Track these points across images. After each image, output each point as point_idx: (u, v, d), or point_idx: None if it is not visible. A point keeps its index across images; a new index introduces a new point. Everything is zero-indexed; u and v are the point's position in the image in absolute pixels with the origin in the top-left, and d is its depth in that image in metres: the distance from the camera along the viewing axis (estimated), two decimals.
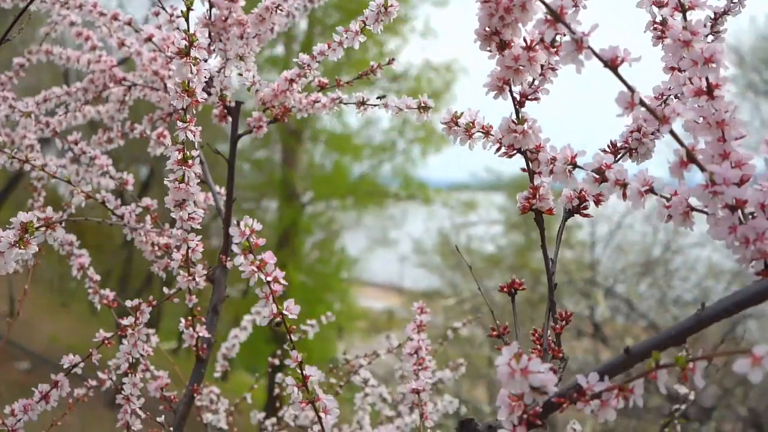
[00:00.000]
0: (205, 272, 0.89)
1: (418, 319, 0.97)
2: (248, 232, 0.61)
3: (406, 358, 0.96)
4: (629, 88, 0.50)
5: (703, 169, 0.51)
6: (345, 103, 0.96)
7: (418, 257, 11.24)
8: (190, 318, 0.95)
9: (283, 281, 0.62)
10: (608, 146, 0.68)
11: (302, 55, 0.92)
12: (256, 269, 0.61)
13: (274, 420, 1.43)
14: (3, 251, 0.67)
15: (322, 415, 0.63)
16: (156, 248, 1.00)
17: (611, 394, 0.50)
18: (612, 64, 0.50)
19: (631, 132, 0.68)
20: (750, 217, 0.51)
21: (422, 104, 0.82)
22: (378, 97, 0.94)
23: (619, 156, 0.68)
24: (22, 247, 0.66)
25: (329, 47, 0.90)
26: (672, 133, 0.51)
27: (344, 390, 1.40)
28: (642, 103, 0.50)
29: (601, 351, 6.68)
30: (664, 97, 0.68)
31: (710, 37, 0.71)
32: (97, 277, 1.09)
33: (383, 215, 12.44)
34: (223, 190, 1.09)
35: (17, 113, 1.10)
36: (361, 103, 0.94)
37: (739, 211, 0.51)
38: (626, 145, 0.68)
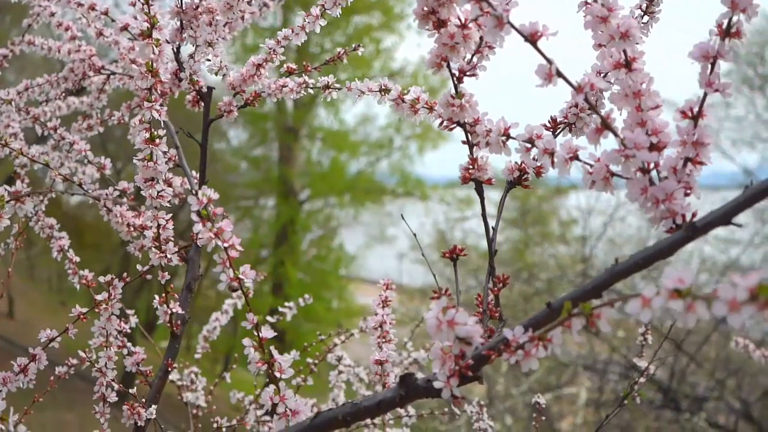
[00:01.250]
0: (176, 249, 0.93)
1: (383, 294, 1.01)
2: (206, 201, 0.65)
3: (371, 331, 1.01)
4: (548, 60, 0.54)
5: (616, 135, 0.55)
6: (312, 88, 1.00)
7: (414, 253, 11.28)
8: (164, 295, 0.99)
9: (239, 247, 0.66)
10: (548, 121, 0.72)
11: (268, 41, 0.96)
12: (213, 236, 0.65)
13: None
14: None
15: (277, 374, 0.67)
16: (132, 229, 1.04)
17: (533, 344, 0.54)
18: (532, 38, 0.54)
19: (570, 107, 0.71)
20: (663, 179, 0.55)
21: (383, 87, 0.86)
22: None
23: (559, 130, 0.72)
24: None
25: (292, 32, 0.94)
26: (587, 101, 0.55)
27: (324, 371, 1.44)
28: (559, 73, 0.54)
29: (596, 345, 6.74)
30: (602, 74, 0.72)
31: (645, 17, 0.75)
32: (77, 259, 1.13)
33: (381, 212, 12.48)
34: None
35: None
36: (326, 87, 0.98)
37: (653, 174, 0.55)
38: (565, 120, 0.72)
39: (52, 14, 1.23)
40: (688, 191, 0.55)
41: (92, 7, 1.12)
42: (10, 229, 1.24)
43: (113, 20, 1.11)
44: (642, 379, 1.11)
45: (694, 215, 0.54)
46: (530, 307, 7.04)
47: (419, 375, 0.62)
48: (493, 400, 6.00)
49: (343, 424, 0.62)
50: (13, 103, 1.15)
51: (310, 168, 12.00)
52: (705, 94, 0.55)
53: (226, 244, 0.65)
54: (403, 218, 0.97)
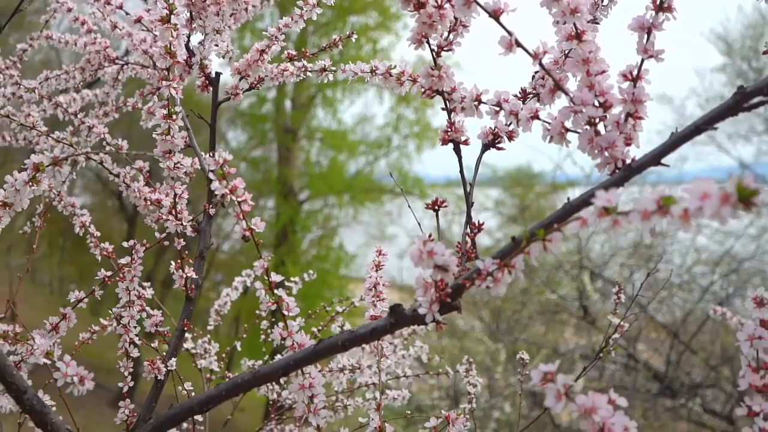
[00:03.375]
0: (191, 217, 1.03)
1: (376, 259, 1.12)
2: (221, 161, 0.75)
3: (365, 292, 1.11)
4: (508, 32, 0.65)
5: (567, 94, 0.65)
6: (310, 71, 1.10)
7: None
8: (179, 261, 1.09)
9: (251, 202, 0.76)
10: (519, 91, 0.83)
11: (270, 28, 1.07)
12: (228, 192, 0.75)
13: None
14: (19, 188, 0.81)
15: (285, 312, 0.78)
16: (148, 203, 1.14)
17: (500, 271, 0.64)
18: (495, 14, 0.65)
19: (537, 79, 0.82)
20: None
21: (373, 68, 0.96)
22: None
23: (528, 99, 0.82)
24: (34, 184, 0.81)
25: (292, 19, 1.05)
26: (541, 66, 0.65)
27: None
28: (518, 43, 0.64)
29: (593, 333, 6.85)
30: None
31: (606, 1, 0.86)
32: (98, 234, 1.23)
33: (380, 211, 12.58)
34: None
35: (22, 89, 1.24)
36: (323, 70, 1.08)
37: (599, 127, 0.66)
38: (534, 91, 0.82)
39: (69, 9, 1.34)
40: (629, 141, 0.65)
41: (108, 2, 1.22)
42: (33, 210, 1.34)
43: (128, 13, 1.22)
44: (616, 335, 1.21)
45: (633, 160, 0.64)
46: (528, 299, 7.16)
47: (406, 306, 0.72)
48: (493, 389, 6.11)
49: (342, 349, 0.72)
50: (36, 91, 1.25)
51: (309, 168, 12.10)
52: (642, 60, 0.66)
53: (239, 199, 0.76)
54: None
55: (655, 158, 0.61)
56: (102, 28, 1.34)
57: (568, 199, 0.64)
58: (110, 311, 1.22)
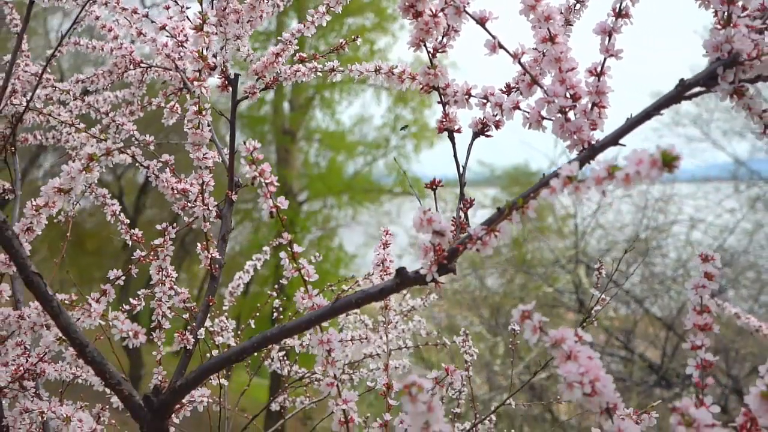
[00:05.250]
0: (216, 203, 1.16)
1: (383, 238, 1.25)
2: (252, 148, 0.88)
3: (374, 268, 1.24)
4: (492, 36, 0.78)
5: (541, 87, 0.78)
6: (319, 71, 1.23)
7: (414, 251, 11.48)
8: (204, 243, 1.22)
9: (276, 183, 0.89)
10: (505, 86, 0.96)
11: (285, 33, 1.19)
12: (258, 174, 0.88)
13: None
14: (74, 176, 0.93)
15: (306, 278, 0.90)
16: (175, 192, 1.27)
17: (487, 235, 0.77)
18: (482, 21, 0.78)
19: (519, 76, 0.95)
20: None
21: (377, 68, 1.09)
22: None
23: (512, 92, 0.95)
24: (88, 172, 0.93)
25: (304, 26, 1.18)
26: (520, 64, 0.78)
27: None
28: (500, 45, 0.77)
29: (591, 330, 6.98)
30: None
31: (578, 5, 0.99)
32: (128, 221, 1.36)
33: (379, 211, 12.70)
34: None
35: (58, 92, 1.37)
36: (332, 70, 1.21)
37: (569, 115, 0.79)
38: (517, 86, 0.95)
39: (97, 18, 1.46)
40: (594, 126, 0.78)
41: (135, 11, 1.35)
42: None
43: (153, 21, 1.35)
44: (596, 293, 1.34)
45: (597, 142, 0.77)
46: (525, 294, 7.30)
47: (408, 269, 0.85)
48: (492, 382, 6.24)
49: (356, 305, 0.85)
50: (70, 92, 1.38)
51: (308, 169, 12.22)
52: (605, 59, 0.79)
53: (267, 181, 0.89)
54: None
55: (613, 139, 0.74)
56: (126, 33, 1.47)
57: (544, 174, 0.77)
58: (138, 294, 1.35)
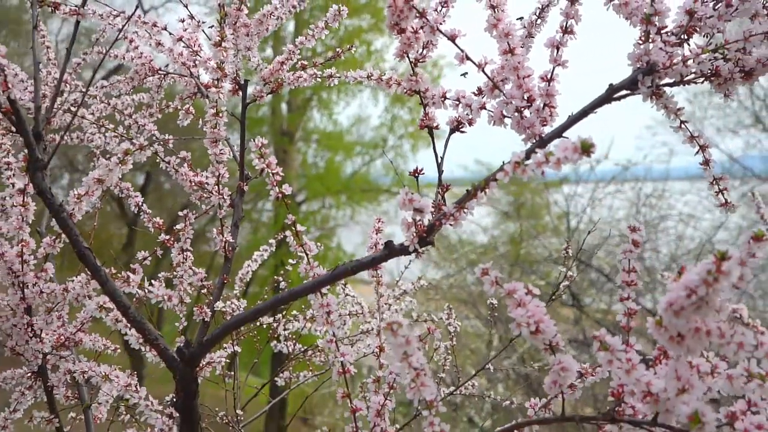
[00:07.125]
0: (230, 193, 1.33)
1: (376, 225, 1.42)
2: (260, 144, 1.05)
3: (368, 251, 1.41)
4: (461, 50, 0.95)
5: (501, 92, 0.95)
6: (319, 78, 1.40)
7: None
8: (219, 227, 1.39)
9: (281, 173, 1.06)
10: (476, 89, 1.13)
11: (289, 45, 1.37)
12: (266, 166, 1.05)
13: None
14: (112, 168, 1.11)
15: (308, 251, 1.08)
16: (192, 184, 1.44)
17: (458, 212, 0.94)
18: (452, 38, 0.95)
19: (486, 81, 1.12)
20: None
21: (369, 75, 1.27)
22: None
23: (484, 96, 1.13)
24: (123, 164, 1.10)
25: (306, 38, 1.35)
26: (484, 72, 0.96)
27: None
28: (467, 57, 0.95)
29: (583, 319, 7.17)
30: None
31: (539, 20, 1.16)
32: (150, 211, 1.53)
33: (377, 211, 12.86)
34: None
35: (87, 96, 1.54)
36: (330, 76, 1.38)
37: (524, 113, 0.96)
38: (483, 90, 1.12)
39: (120, 30, 1.64)
40: (545, 123, 0.95)
41: (155, 24, 1.52)
42: None
43: (171, 33, 1.52)
44: (565, 283, 1.51)
45: (545, 135, 0.94)
46: None
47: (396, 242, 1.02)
48: (487, 371, 6.41)
49: (351, 272, 1.02)
50: (96, 97, 1.55)
51: (306, 170, 12.39)
52: (553, 67, 0.96)
53: (273, 171, 1.06)
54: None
55: (557, 133, 0.91)
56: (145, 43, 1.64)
57: (503, 162, 0.95)
58: (159, 275, 1.53)
